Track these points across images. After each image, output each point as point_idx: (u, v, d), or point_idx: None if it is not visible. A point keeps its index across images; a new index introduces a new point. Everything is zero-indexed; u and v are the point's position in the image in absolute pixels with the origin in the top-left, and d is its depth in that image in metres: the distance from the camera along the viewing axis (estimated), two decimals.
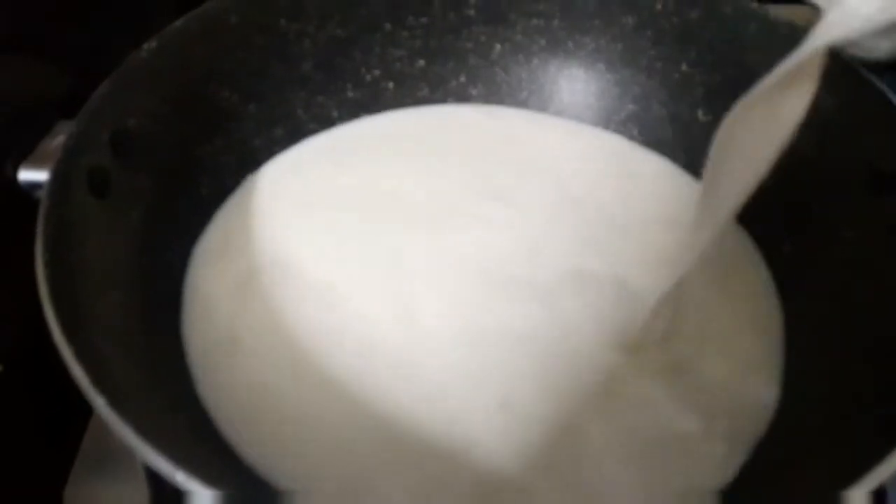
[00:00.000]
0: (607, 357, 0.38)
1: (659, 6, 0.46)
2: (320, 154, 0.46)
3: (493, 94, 0.50)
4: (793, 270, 0.41)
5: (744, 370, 0.38)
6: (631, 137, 0.49)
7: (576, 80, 0.49)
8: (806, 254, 0.41)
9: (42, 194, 0.32)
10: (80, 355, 0.27)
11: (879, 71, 0.38)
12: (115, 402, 0.26)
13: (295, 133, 0.46)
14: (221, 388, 0.35)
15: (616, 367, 0.38)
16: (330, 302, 0.39)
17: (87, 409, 0.37)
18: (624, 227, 0.44)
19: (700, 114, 0.46)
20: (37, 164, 0.36)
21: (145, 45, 0.38)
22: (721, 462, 0.35)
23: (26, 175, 0.36)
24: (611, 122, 0.49)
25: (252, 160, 0.45)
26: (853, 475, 0.26)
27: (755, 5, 0.43)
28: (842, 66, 0.40)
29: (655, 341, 0.38)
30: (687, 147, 0.47)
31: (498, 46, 0.49)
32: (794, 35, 0.41)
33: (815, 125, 0.41)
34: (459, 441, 0.34)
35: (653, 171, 0.48)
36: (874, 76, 0.39)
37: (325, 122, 0.47)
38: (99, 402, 0.26)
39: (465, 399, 0.36)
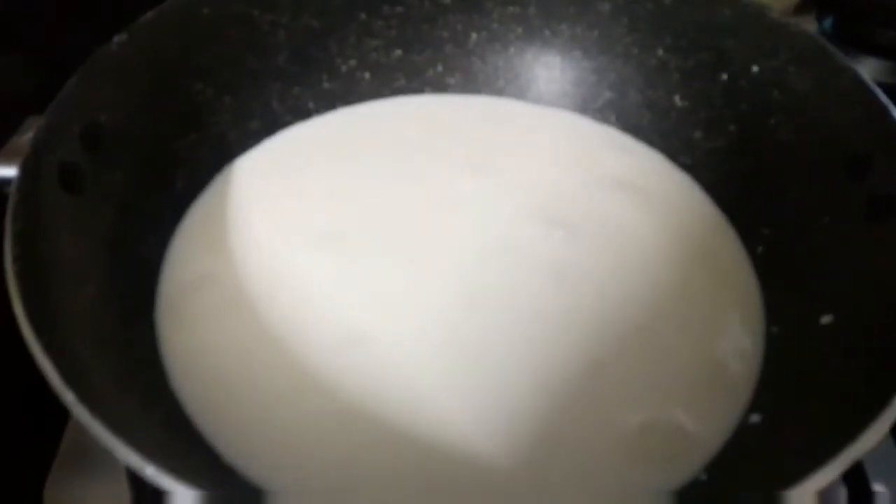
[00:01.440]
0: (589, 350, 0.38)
1: None
2: (296, 146, 0.46)
3: (471, 83, 0.50)
4: (771, 256, 0.41)
5: (723, 354, 0.38)
6: (608, 124, 0.49)
7: (553, 68, 0.49)
8: (784, 239, 0.41)
9: (11, 190, 0.31)
10: (50, 351, 0.27)
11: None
12: (86, 398, 0.26)
13: (271, 125, 0.46)
14: (197, 384, 0.35)
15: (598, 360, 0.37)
16: (308, 296, 0.38)
17: (66, 407, 0.37)
18: (604, 216, 0.44)
19: (677, 99, 0.47)
20: (6, 161, 0.36)
21: (115, 38, 0.38)
22: (700, 447, 0.34)
23: None
24: (588, 109, 0.49)
25: (227, 153, 0.44)
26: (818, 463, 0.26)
27: None
28: (816, 49, 0.40)
29: None
30: (663, 132, 0.47)
31: (474, 35, 0.49)
32: (764, 19, 0.41)
33: (791, 108, 0.41)
34: (443, 438, 0.34)
35: (632, 157, 0.48)
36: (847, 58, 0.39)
37: (302, 114, 0.47)
38: (69, 397, 0.26)
39: (449, 394, 0.36)
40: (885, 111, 0.36)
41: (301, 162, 0.45)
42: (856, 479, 0.35)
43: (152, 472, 0.24)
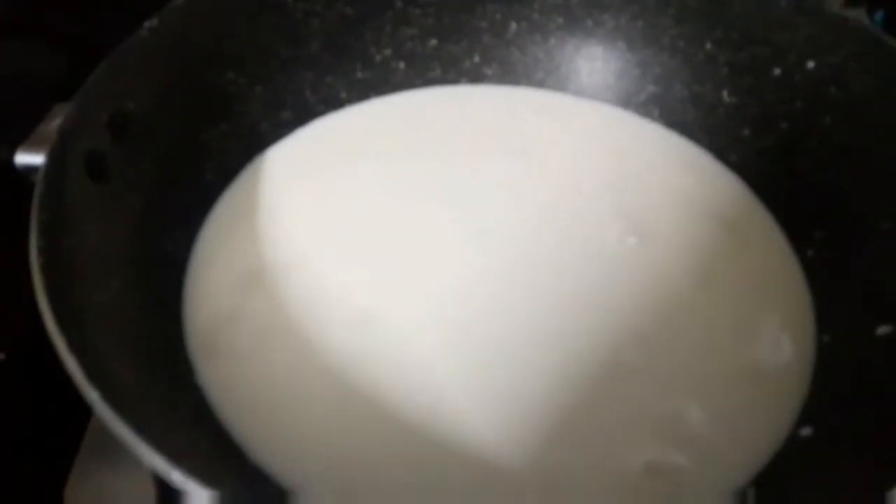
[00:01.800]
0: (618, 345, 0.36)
1: None
2: (328, 136, 0.45)
3: (509, 75, 0.48)
4: (822, 260, 0.39)
5: (767, 362, 0.36)
6: (652, 119, 0.47)
7: (594, 60, 0.47)
8: (837, 244, 0.39)
9: (37, 178, 0.30)
10: (74, 347, 0.26)
11: None
12: (110, 397, 0.25)
13: (303, 115, 0.45)
14: (224, 381, 0.34)
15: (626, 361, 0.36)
16: (337, 294, 0.37)
17: (87, 406, 0.36)
18: (644, 214, 0.42)
19: (725, 94, 0.44)
20: (33, 148, 0.35)
21: (146, 24, 0.37)
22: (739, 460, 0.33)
23: (23, 159, 0.35)
24: (630, 103, 0.47)
25: (258, 144, 0.43)
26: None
27: None
28: (879, 46, 0.38)
29: None
30: (710, 129, 0.45)
31: (514, 25, 0.48)
32: (821, 13, 0.39)
33: (849, 107, 0.39)
34: (463, 437, 0.33)
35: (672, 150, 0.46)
36: None
37: (334, 104, 0.46)
38: (93, 395, 0.25)
39: (469, 395, 0.34)
40: None
41: (333, 153, 0.44)
42: None
43: (179, 477, 0.23)
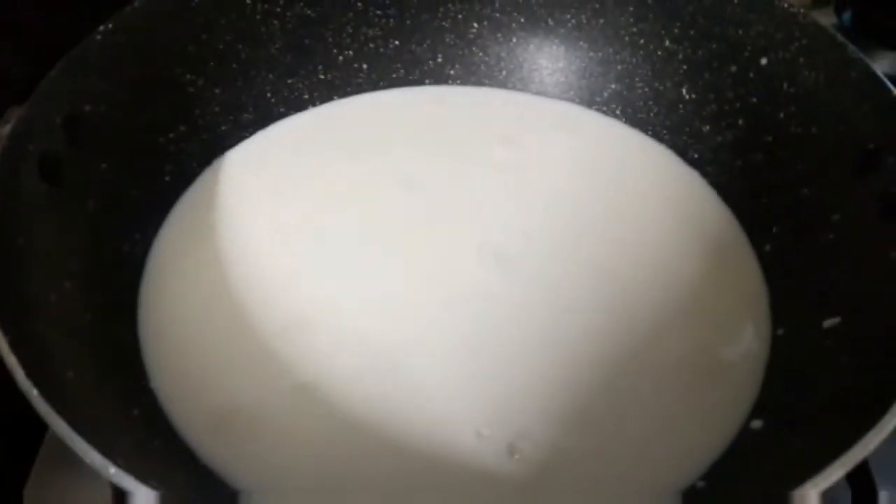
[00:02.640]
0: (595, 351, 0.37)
1: None
2: (289, 138, 0.45)
3: (472, 75, 0.49)
4: (779, 255, 0.39)
5: (728, 356, 0.37)
6: (614, 117, 0.47)
7: (557, 59, 0.48)
8: (793, 238, 0.39)
9: None
10: (16, 346, 0.26)
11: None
12: (52, 394, 0.25)
13: (264, 117, 0.45)
14: (178, 383, 0.34)
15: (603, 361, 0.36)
16: (294, 293, 0.37)
17: None
18: (609, 213, 0.43)
19: (684, 91, 0.45)
20: None
21: (101, 27, 0.37)
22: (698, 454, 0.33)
23: None
24: (594, 101, 0.47)
25: (218, 145, 0.43)
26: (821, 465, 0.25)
27: None
28: (828, 40, 0.38)
29: None
30: (671, 126, 0.45)
31: (475, 25, 0.48)
32: (774, 8, 0.40)
33: (801, 101, 0.39)
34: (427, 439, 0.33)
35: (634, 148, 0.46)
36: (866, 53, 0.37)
37: (297, 106, 0.46)
38: (32, 393, 0.25)
39: (439, 388, 0.35)
40: (894, 106, 0.35)
41: (293, 154, 0.44)
42: (861, 482, 0.34)
43: (116, 474, 0.23)
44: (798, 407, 0.32)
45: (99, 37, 0.37)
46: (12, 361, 0.25)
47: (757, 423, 0.33)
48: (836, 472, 0.25)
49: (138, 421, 0.31)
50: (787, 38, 0.40)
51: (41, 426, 0.37)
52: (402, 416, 0.34)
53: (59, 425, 0.24)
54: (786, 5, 0.40)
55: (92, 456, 0.24)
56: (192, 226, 0.40)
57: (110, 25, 0.37)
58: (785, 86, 0.40)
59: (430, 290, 0.38)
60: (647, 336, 0.37)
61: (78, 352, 0.31)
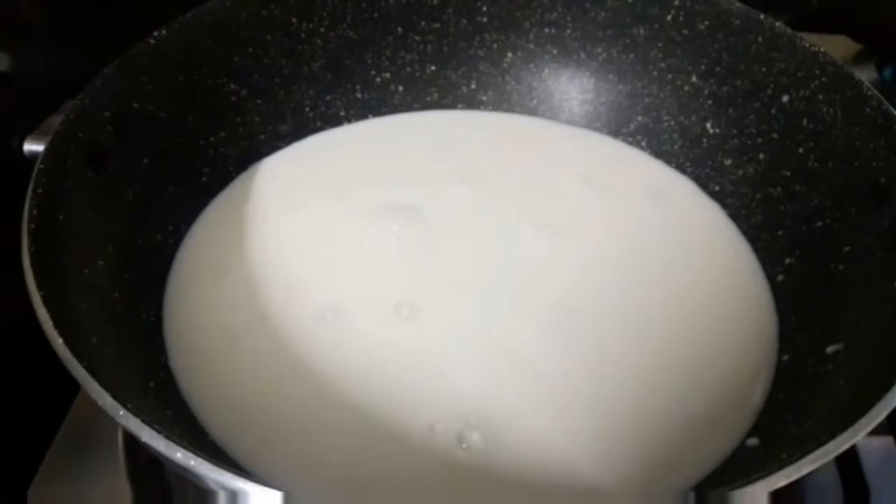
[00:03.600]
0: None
1: (670, 17, 0.46)
2: (324, 151, 0.47)
3: (504, 102, 0.51)
4: (790, 285, 0.40)
5: (735, 382, 0.37)
6: (640, 148, 0.48)
7: (587, 91, 0.49)
8: (805, 269, 0.39)
9: (38, 160, 0.33)
10: (49, 300, 0.28)
11: None
12: (72, 345, 0.27)
13: (301, 130, 0.47)
14: (194, 363, 0.36)
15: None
16: (315, 293, 0.39)
17: (59, 412, 0.38)
18: (628, 240, 0.43)
19: (709, 126, 0.46)
20: (41, 138, 0.38)
21: (155, 33, 0.40)
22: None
23: (30, 147, 0.38)
24: (620, 132, 0.49)
25: (256, 152, 0.46)
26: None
27: (762, 16, 0.42)
28: (844, 77, 0.39)
29: None
30: (694, 159, 0.46)
31: (510, 54, 0.50)
32: (796, 47, 0.41)
33: (819, 137, 0.40)
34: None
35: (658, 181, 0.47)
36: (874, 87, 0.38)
37: (333, 121, 0.48)
38: (57, 341, 0.27)
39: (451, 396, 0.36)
40: None
41: (326, 166, 0.46)
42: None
43: (124, 415, 0.25)
44: (793, 428, 0.32)
45: (152, 41, 0.40)
46: (43, 313, 0.27)
47: (753, 441, 0.33)
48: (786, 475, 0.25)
49: (152, 392, 0.33)
50: (808, 76, 0.40)
51: (48, 429, 0.39)
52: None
53: (79, 371, 0.26)
54: (807, 44, 0.41)
55: (104, 398, 0.25)
56: (223, 223, 0.42)
57: (163, 32, 0.40)
58: (805, 122, 0.41)
59: (464, 300, 0.39)
60: (654, 358, 0.38)
61: (103, 323, 0.33)
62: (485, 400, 0.35)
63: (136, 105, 0.39)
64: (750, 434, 0.34)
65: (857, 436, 0.26)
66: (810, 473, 0.26)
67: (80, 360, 0.27)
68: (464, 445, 0.33)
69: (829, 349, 0.34)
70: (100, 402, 0.26)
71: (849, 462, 0.37)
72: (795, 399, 0.34)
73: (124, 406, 0.25)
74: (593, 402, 0.36)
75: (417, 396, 0.35)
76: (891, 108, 0.36)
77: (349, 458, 0.33)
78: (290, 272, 0.40)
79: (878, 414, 0.27)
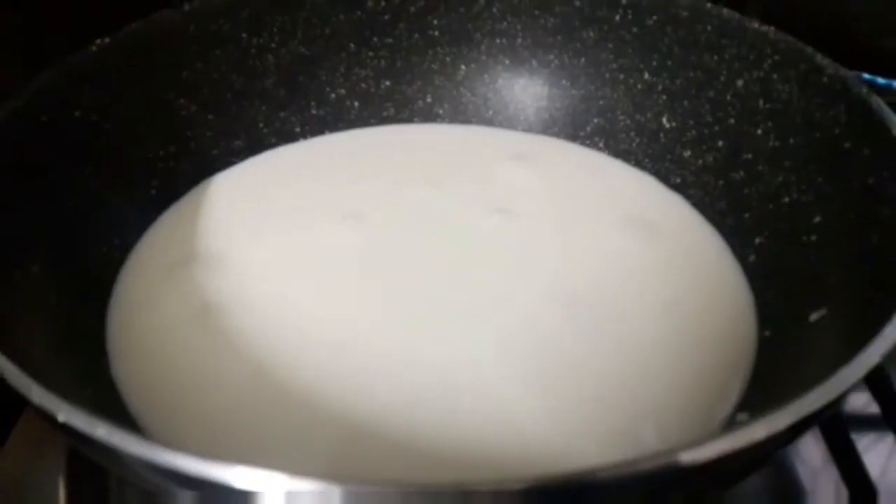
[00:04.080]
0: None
1: (618, 17, 0.46)
2: (277, 166, 0.46)
3: (460, 114, 0.50)
4: (763, 263, 0.39)
5: (715, 368, 0.35)
6: (598, 149, 0.48)
7: (541, 98, 0.49)
8: (776, 245, 0.38)
9: None
10: None
11: None
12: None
13: (255, 145, 0.46)
14: (138, 371, 0.33)
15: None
16: (259, 296, 0.37)
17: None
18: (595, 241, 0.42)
19: (665, 120, 0.46)
20: None
21: (98, 40, 0.39)
22: None
23: None
24: (577, 135, 0.48)
25: (208, 167, 0.44)
26: None
27: (709, 5, 0.43)
28: (797, 52, 0.39)
29: None
30: (653, 154, 0.46)
31: (463, 67, 0.50)
32: (745, 30, 0.41)
33: (777, 115, 0.40)
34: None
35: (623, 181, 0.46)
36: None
37: (288, 137, 0.47)
38: None
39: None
40: (865, 102, 0.35)
41: (279, 181, 0.45)
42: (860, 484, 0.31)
43: (39, 394, 0.22)
44: (782, 397, 0.31)
45: (94, 48, 0.39)
46: None
47: (743, 417, 0.32)
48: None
49: (90, 400, 0.30)
50: (760, 57, 0.41)
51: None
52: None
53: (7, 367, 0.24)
54: (756, 25, 0.41)
55: (35, 392, 0.23)
56: (173, 236, 0.40)
57: (107, 40, 0.39)
58: (761, 103, 0.41)
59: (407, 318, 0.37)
60: (633, 352, 0.36)
61: (39, 328, 0.31)
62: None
63: (77, 113, 0.38)
64: (738, 410, 0.32)
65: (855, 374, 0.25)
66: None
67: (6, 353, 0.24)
68: None
69: (813, 316, 0.33)
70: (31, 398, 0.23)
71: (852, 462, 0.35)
72: (781, 371, 0.33)
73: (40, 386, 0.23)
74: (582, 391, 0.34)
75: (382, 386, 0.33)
76: (846, 75, 0.36)
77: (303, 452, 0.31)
78: (242, 286, 0.38)
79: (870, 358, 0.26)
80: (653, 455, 0.21)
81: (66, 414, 0.22)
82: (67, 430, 0.22)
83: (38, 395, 0.22)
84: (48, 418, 0.22)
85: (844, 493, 0.32)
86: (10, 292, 0.30)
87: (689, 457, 0.22)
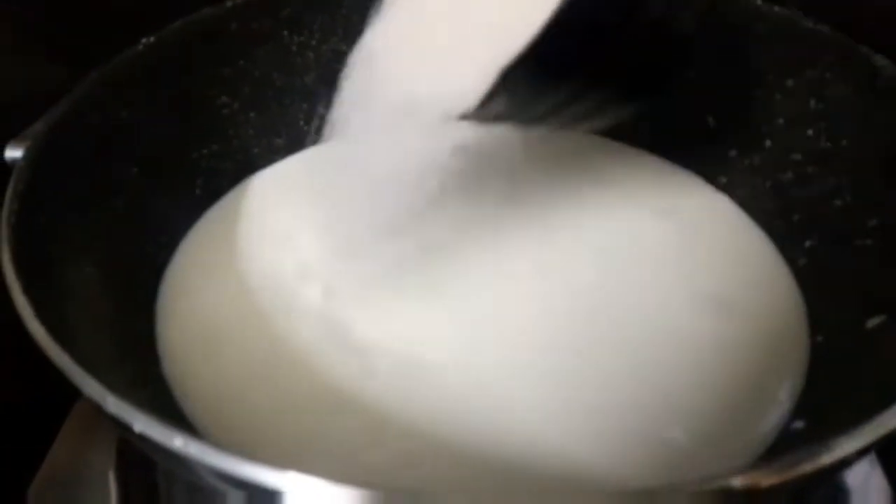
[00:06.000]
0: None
1: None
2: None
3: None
4: (814, 267, 0.38)
5: (767, 373, 0.35)
6: (644, 148, 0.47)
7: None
8: (828, 248, 0.38)
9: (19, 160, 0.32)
10: (29, 288, 0.26)
11: None
12: (57, 335, 0.25)
13: (296, 143, 0.46)
14: (191, 376, 0.33)
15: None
16: (307, 303, 0.37)
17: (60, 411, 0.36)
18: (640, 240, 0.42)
19: (711, 120, 0.45)
20: (23, 144, 0.36)
21: (143, 40, 0.39)
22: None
23: (12, 154, 0.36)
24: (622, 135, 0.47)
25: (250, 166, 0.44)
26: None
27: (760, 2, 0.42)
28: (853, 53, 0.38)
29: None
30: (699, 154, 0.45)
31: None
32: (798, 28, 0.41)
33: (830, 116, 0.39)
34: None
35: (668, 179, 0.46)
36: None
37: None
38: (39, 331, 0.24)
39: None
40: None
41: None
42: None
43: (113, 402, 0.22)
44: (840, 404, 0.30)
45: (140, 48, 0.39)
46: (21, 302, 0.25)
47: (799, 424, 0.31)
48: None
49: (145, 399, 0.30)
50: (813, 56, 0.40)
51: (49, 429, 0.37)
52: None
53: (62, 359, 0.24)
54: (810, 24, 0.40)
55: (91, 386, 0.23)
56: (216, 235, 0.40)
57: (151, 40, 0.39)
58: (812, 103, 0.40)
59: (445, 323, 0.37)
60: (680, 356, 0.36)
61: (92, 326, 0.31)
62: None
63: (124, 113, 0.38)
64: (794, 418, 0.32)
65: None
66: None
67: (63, 344, 0.24)
68: None
69: (870, 323, 0.32)
70: (85, 391, 0.23)
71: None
72: (837, 378, 0.32)
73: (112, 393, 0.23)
74: (631, 402, 0.33)
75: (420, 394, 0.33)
76: None
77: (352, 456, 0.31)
78: (286, 284, 0.38)
79: None
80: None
81: (143, 424, 0.22)
82: (142, 440, 0.22)
83: (113, 404, 0.22)
84: (121, 426, 0.22)
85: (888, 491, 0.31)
86: (66, 293, 0.30)
87: None
